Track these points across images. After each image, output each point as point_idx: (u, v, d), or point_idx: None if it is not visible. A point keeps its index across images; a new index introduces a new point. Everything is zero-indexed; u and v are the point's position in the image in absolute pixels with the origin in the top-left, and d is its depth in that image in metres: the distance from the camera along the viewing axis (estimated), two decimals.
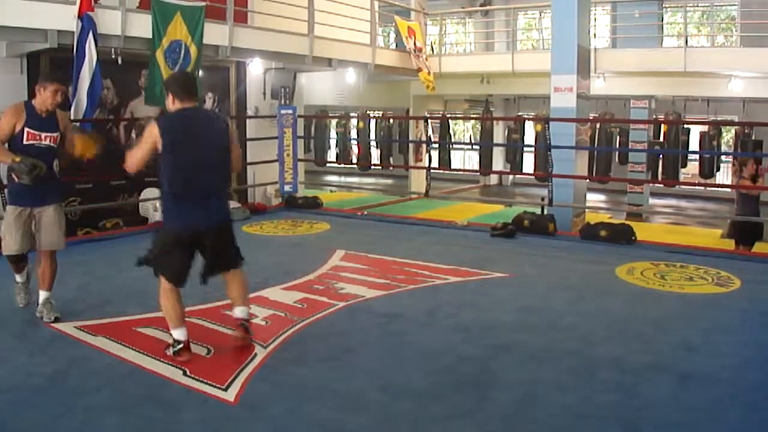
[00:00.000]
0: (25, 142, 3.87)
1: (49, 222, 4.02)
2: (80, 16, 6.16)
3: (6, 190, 4.12)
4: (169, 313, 3.44)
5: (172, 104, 3.43)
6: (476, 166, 16.13)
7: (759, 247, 7.10)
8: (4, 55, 6.69)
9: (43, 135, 3.94)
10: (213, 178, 3.49)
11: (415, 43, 11.41)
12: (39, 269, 4.06)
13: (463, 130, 19.55)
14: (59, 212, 4.09)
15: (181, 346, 3.42)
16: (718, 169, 13.46)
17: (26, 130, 3.88)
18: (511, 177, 17.71)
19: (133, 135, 7.92)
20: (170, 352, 3.45)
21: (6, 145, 3.88)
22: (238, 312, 3.62)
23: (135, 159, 3.39)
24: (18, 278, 4.28)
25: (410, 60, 11.32)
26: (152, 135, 3.33)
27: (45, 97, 3.92)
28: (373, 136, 16.10)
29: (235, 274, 3.63)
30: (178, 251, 3.40)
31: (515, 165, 14.18)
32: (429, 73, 11.66)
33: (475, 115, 16.49)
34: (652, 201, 13.80)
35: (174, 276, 3.41)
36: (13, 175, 3.85)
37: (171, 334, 3.47)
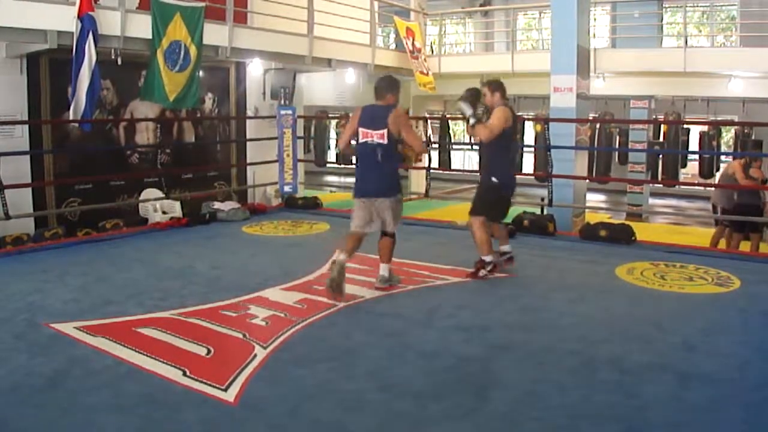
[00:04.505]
0: None
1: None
2: (80, 17, 6.16)
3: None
4: (484, 241, 4.97)
5: (499, 100, 4.89)
6: (476, 166, 16.11)
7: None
8: (4, 55, 6.69)
9: None
10: None
11: (413, 44, 11.41)
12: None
13: (463, 130, 19.53)
14: None
15: (492, 266, 5.01)
16: (718, 169, 13.44)
17: None
18: None
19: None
20: (484, 273, 4.98)
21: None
22: (504, 248, 5.34)
23: (497, 128, 4.75)
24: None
25: (409, 60, 11.32)
26: (507, 116, 4.79)
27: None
28: None
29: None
30: (508, 203, 5.27)
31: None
32: (428, 73, 11.65)
33: None
34: (652, 201, 13.79)
35: (500, 218, 5.25)
36: None
37: (484, 260, 5.01)
